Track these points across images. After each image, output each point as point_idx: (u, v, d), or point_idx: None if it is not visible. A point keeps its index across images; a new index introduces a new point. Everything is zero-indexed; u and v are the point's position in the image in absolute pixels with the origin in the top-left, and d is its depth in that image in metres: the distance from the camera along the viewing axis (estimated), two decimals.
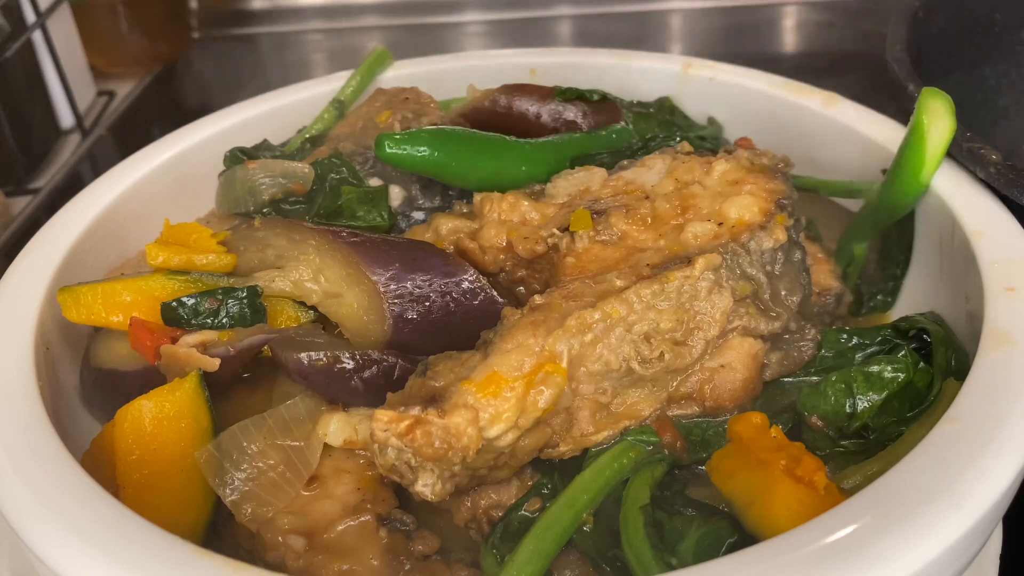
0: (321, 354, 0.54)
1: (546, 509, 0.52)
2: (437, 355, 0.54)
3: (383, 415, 0.49)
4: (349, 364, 0.55)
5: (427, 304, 0.59)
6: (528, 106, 0.80)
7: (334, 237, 0.60)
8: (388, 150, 0.66)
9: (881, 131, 0.75)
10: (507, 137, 0.71)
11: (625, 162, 0.69)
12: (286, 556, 0.51)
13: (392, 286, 0.58)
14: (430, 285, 0.59)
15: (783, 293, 0.58)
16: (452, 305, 0.59)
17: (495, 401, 0.49)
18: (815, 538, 0.41)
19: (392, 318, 0.58)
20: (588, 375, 0.53)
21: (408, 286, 0.59)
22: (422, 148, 0.66)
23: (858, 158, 0.76)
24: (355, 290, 0.59)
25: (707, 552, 0.48)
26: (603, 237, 0.60)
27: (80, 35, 1.34)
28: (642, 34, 1.60)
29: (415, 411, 0.49)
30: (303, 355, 0.54)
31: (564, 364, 0.51)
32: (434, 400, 0.49)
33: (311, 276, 0.61)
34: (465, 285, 0.60)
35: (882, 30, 0.85)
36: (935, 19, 0.90)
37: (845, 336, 0.61)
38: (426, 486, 0.49)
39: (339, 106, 0.86)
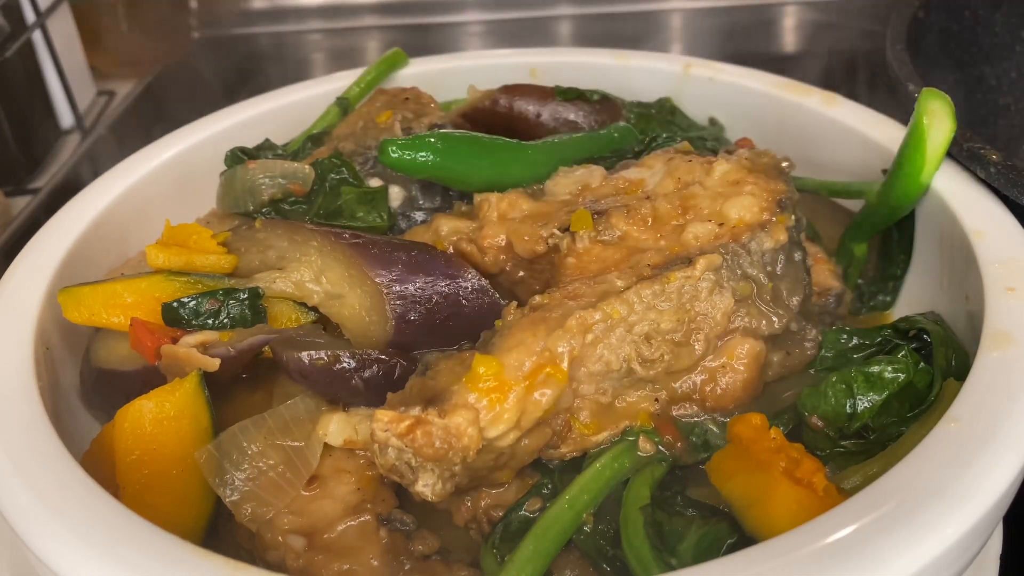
0: (322, 353, 0.54)
1: (546, 509, 0.52)
2: (437, 355, 0.54)
3: (383, 415, 0.49)
4: (350, 364, 0.55)
5: (429, 305, 0.59)
6: (528, 106, 0.80)
7: (336, 238, 0.61)
8: (392, 155, 0.66)
9: (881, 131, 0.75)
10: (509, 140, 0.71)
11: (625, 162, 0.69)
12: (286, 556, 0.51)
13: (395, 287, 0.58)
14: (432, 286, 0.59)
15: (784, 294, 0.58)
16: (454, 306, 0.59)
17: (496, 401, 0.49)
18: (815, 538, 0.41)
19: (394, 319, 0.58)
20: (589, 375, 0.53)
21: (410, 287, 0.59)
22: (425, 153, 0.66)
23: (858, 158, 0.76)
24: (357, 291, 0.59)
25: (707, 552, 0.48)
26: (604, 237, 0.60)
27: (80, 35, 1.34)
28: (642, 34, 1.59)
29: (415, 411, 0.48)
30: (304, 354, 0.54)
31: (565, 365, 0.51)
32: (434, 400, 0.49)
33: (312, 277, 0.61)
34: (467, 286, 0.60)
35: (882, 30, 0.85)
36: (935, 19, 0.90)
37: (845, 336, 0.60)
38: (426, 486, 0.49)
39: (344, 104, 0.86)
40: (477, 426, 0.49)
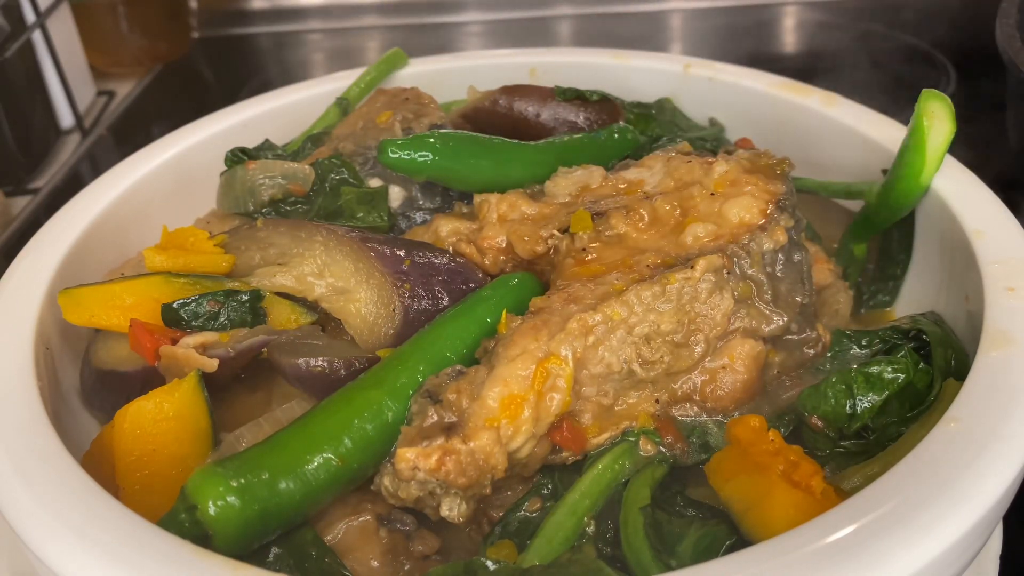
0: (319, 359, 0.55)
1: (548, 516, 0.51)
2: (443, 378, 0.52)
3: (407, 452, 0.48)
4: (345, 369, 0.55)
5: (434, 301, 0.59)
6: (528, 106, 0.80)
7: (344, 233, 0.61)
8: (391, 155, 0.66)
9: (881, 131, 0.75)
10: (509, 140, 0.71)
11: (625, 162, 0.69)
12: None
13: (403, 282, 0.59)
14: (440, 282, 0.59)
15: (784, 294, 0.58)
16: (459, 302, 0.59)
17: (514, 415, 0.49)
18: (815, 538, 0.41)
19: (402, 314, 0.58)
20: (590, 377, 0.53)
21: (419, 283, 0.59)
22: (425, 153, 0.66)
23: (858, 158, 0.76)
24: (364, 286, 0.59)
25: (706, 553, 0.48)
26: (603, 238, 0.60)
27: (80, 35, 1.34)
28: (642, 34, 1.60)
29: (439, 441, 0.48)
30: (300, 360, 0.54)
31: (570, 367, 0.51)
32: (454, 427, 0.49)
33: (315, 271, 0.61)
34: (473, 284, 0.61)
35: (882, 30, 0.85)
36: None
37: (845, 336, 0.60)
38: (451, 510, 0.49)
39: (343, 104, 0.86)
40: (502, 444, 0.49)
